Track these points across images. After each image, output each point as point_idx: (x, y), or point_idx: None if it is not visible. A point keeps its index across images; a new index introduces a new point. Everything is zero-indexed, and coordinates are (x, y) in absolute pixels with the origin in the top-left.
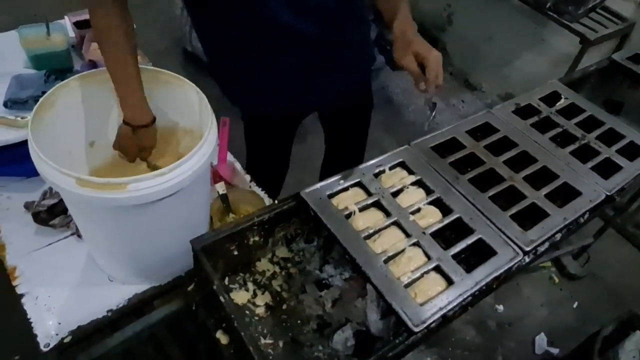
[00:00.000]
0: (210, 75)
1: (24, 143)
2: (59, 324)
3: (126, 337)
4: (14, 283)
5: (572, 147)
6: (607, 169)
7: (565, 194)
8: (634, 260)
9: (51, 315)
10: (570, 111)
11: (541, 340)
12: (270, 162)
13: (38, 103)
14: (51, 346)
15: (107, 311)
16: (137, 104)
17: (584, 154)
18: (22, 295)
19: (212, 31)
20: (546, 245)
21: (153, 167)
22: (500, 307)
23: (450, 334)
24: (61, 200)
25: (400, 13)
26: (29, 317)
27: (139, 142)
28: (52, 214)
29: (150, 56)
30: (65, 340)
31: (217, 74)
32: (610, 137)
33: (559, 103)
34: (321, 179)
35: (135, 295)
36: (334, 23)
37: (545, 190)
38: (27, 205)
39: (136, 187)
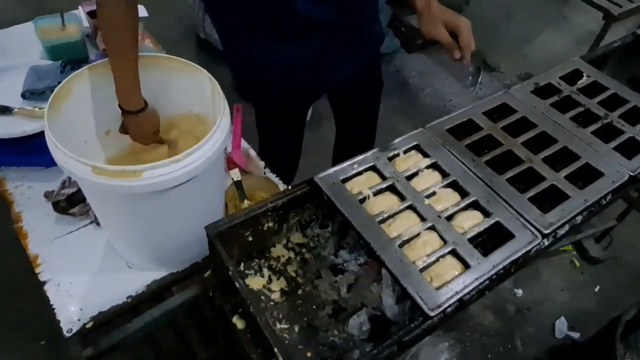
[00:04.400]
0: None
1: (43, 133)
2: (81, 309)
3: (145, 323)
4: (37, 270)
5: (594, 127)
6: (631, 149)
7: (586, 175)
8: None
9: (73, 301)
10: (593, 89)
11: (561, 325)
12: (283, 148)
13: (53, 93)
14: (74, 331)
15: (127, 297)
16: (131, 91)
17: (607, 133)
18: (44, 283)
19: (228, 17)
20: (566, 228)
21: (170, 146)
22: (519, 292)
23: (468, 319)
24: (80, 189)
25: None
26: (51, 303)
27: (141, 126)
28: (71, 202)
29: (164, 44)
30: (87, 326)
31: (230, 62)
32: (635, 115)
33: (580, 81)
34: (334, 162)
35: (154, 281)
36: (350, 5)
37: (565, 172)
38: (47, 195)
39: (151, 174)
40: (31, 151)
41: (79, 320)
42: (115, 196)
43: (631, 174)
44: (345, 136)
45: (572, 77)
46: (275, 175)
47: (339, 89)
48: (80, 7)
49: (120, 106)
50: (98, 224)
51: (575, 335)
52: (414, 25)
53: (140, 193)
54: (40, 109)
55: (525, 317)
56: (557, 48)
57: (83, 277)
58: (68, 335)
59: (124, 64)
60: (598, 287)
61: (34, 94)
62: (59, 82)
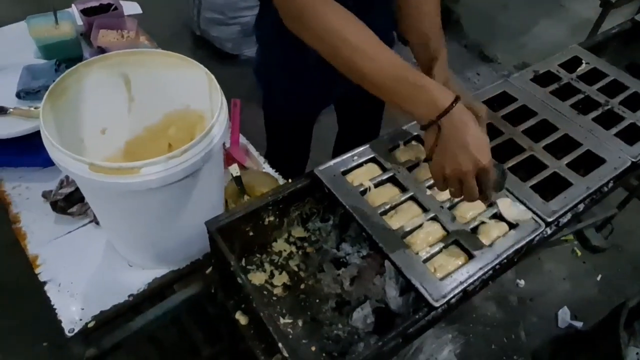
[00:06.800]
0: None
1: (39, 133)
2: (82, 309)
3: (147, 321)
4: (37, 271)
5: (594, 114)
6: (632, 135)
7: (588, 162)
8: None
9: (74, 301)
10: (592, 76)
11: (564, 314)
12: (294, 150)
13: (48, 91)
14: (75, 331)
15: (129, 296)
16: (421, 80)
17: (608, 120)
18: (44, 283)
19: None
20: (569, 216)
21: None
22: (522, 282)
23: (471, 310)
24: (78, 188)
25: (439, 60)
26: (52, 303)
27: (463, 144)
28: (69, 202)
29: (159, 41)
30: (89, 325)
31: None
32: (635, 101)
33: (580, 68)
34: (334, 158)
35: (155, 279)
36: (370, 7)
37: (566, 159)
38: (45, 195)
39: (149, 170)
40: (28, 151)
41: (81, 319)
42: (113, 194)
43: (633, 160)
44: (348, 134)
45: (571, 64)
46: (274, 170)
47: (348, 91)
48: (73, 5)
49: (423, 124)
50: (97, 223)
51: (578, 324)
52: None
53: (138, 190)
54: (35, 108)
55: (528, 308)
56: (553, 37)
57: (84, 277)
58: (70, 335)
59: (388, 55)
60: (600, 275)
61: (29, 94)
62: (54, 81)
